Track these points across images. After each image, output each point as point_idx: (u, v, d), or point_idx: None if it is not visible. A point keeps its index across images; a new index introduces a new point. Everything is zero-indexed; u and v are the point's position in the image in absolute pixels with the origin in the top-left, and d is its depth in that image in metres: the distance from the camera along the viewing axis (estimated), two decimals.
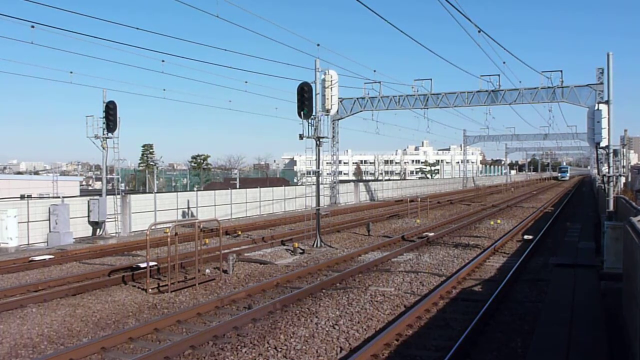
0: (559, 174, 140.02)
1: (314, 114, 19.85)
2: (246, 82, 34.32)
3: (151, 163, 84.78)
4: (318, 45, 26.09)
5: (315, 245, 19.70)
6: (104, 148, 23.54)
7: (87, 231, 23.54)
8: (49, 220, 21.75)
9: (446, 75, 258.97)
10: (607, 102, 16.22)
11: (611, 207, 15.98)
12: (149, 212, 26.62)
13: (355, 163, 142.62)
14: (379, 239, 21.86)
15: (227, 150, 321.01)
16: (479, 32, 19.92)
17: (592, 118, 16.09)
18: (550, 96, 36.35)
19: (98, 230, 23.59)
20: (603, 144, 15.92)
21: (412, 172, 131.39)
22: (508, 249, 19.11)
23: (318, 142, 20.25)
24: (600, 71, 33.60)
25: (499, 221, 28.16)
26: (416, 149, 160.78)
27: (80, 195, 33.59)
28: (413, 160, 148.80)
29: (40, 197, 26.39)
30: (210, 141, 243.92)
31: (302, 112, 19.63)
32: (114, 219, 24.11)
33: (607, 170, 16.66)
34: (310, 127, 19.91)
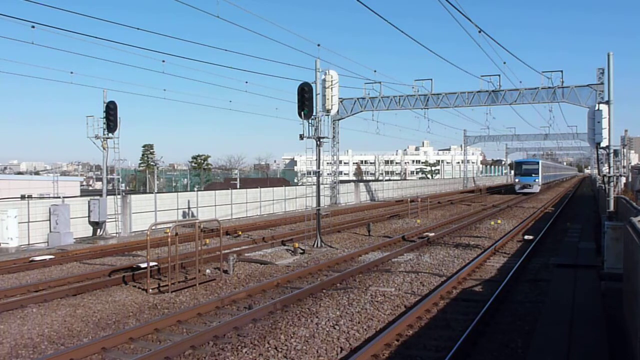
0: (516, 179, 60.20)
1: (314, 114, 19.85)
2: (246, 82, 34.40)
3: (151, 163, 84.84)
4: (318, 45, 26.10)
5: (315, 246, 19.70)
6: (104, 148, 23.56)
7: (88, 231, 23.55)
8: (50, 220, 21.76)
9: (446, 76, 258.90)
10: (607, 102, 16.23)
11: (611, 208, 15.99)
12: (149, 213, 26.63)
13: (356, 163, 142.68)
14: (380, 239, 21.86)
15: (228, 151, 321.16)
16: (480, 32, 19.92)
17: (592, 118, 16.09)
18: (550, 96, 36.35)
19: (98, 230, 23.60)
20: (603, 144, 15.93)
21: (412, 172, 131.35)
22: (508, 249, 19.10)
23: (318, 142, 20.26)
24: (600, 71, 33.59)
25: (499, 221, 28.15)
26: (416, 149, 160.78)
27: (81, 196, 33.58)
28: (413, 161, 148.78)
29: (40, 198, 26.37)
30: (211, 141, 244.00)
31: (302, 113, 19.64)
32: (114, 219, 24.12)
33: (607, 170, 16.65)
34: (310, 127, 19.91)
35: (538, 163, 58.89)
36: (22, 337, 9.46)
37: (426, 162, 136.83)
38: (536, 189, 57.29)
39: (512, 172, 64.02)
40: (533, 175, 57.83)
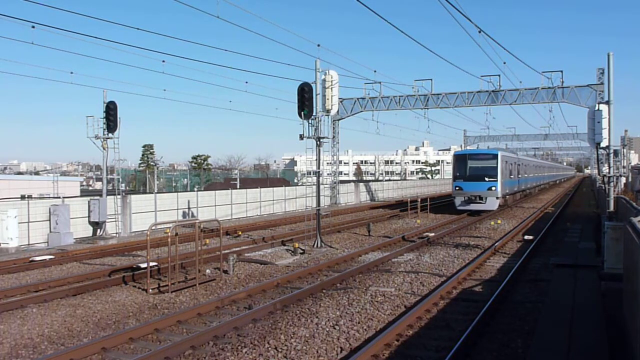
0: (456, 185, 33.40)
1: (314, 114, 19.86)
2: (246, 82, 34.48)
3: (151, 163, 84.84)
4: (318, 45, 26.04)
5: (315, 246, 19.71)
6: (104, 148, 23.57)
7: (88, 231, 23.54)
8: (50, 220, 21.76)
9: (446, 76, 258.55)
10: (607, 103, 16.20)
11: (611, 208, 15.97)
12: (149, 213, 26.63)
13: (356, 163, 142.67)
14: (380, 239, 21.86)
15: (228, 151, 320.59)
16: (480, 32, 19.89)
17: (592, 118, 16.06)
18: (550, 96, 36.32)
19: (98, 230, 23.60)
20: (603, 144, 15.89)
21: (412, 173, 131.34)
22: (508, 249, 19.10)
23: (318, 143, 20.26)
24: (600, 71, 33.57)
25: (499, 221, 28.14)
26: (416, 149, 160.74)
27: (81, 196, 33.63)
28: (413, 161, 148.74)
29: (40, 198, 26.41)
30: (211, 141, 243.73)
31: (302, 113, 19.65)
32: (114, 219, 24.12)
33: (607, 170, 16.64)
34: (310, 127, 19.92)
35: (496, 157, 33.20)
36: (22, 337, 9.46)
37: (426, 162, 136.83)
38: (492, 204, 32.47)
39: (456, 172, 34.21)
40: (487, 179, 32.58)
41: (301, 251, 18.48)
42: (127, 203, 25.48)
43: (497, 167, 32.61)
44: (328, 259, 17.16)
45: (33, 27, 18.40)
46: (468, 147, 76.51)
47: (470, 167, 33.36)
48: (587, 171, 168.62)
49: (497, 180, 32.33)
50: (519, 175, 40.67)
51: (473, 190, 32.49)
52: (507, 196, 36.28)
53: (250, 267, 16.00)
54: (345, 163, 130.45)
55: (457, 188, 33.12)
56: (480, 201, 32.23)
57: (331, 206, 39.58)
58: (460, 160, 34.10)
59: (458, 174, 33.51)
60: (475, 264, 15.44)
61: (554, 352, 7.76)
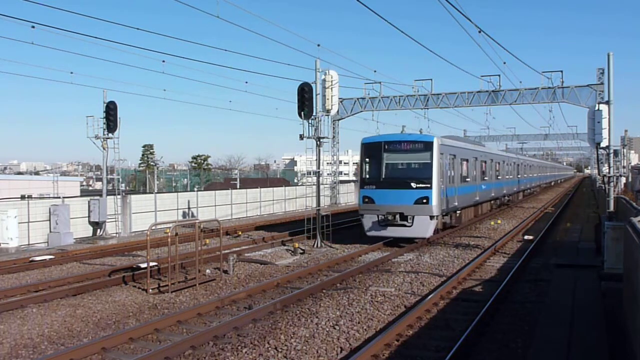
0: (364, 195, 19.64)
1: (314, 114, 19.88)
2: (246, 82, 34.55)
3: (151, 163, 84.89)
4: (318, 45, 26.00)
5: (315, 246, 19.71)
6: (104, 148, 23.58)
7: (88, 231, 23.55)
8: (50, 220, 21.76)
9: (446, 76, 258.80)
10: (607, 103, 16.19)
11: (611, 208, 15.97)
12: (149, 213, 26.63)
13: (356, 163, 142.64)
14: (380, 239, 21.80)
15: (228, 151, 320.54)
16: (480, 32, 19.86)
17: (592, 118, 16.05)
18: (550, 96, 36.27)
19: (98, 230, 23.60)
20: (603, 144, 15.88)
21: None
22: (508, 249, 19.09)
23: (318, 143, 20.26)
24: (600, 71, 33.54)
25: (499, 221, 28.12)
26: None
27: (81, 196, 33.66)
28: None
29: (40, 198, 26.43)
30: (211, 141, 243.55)
31: (302, 113, 19.66)
32: (114, 219, 24.12)
33: (607, 170, 16.64)
34: (310, 127, 19.93)
35: (429, 146, 19.44)
36: (22, 337, 9.46)
37: None
38: (423, 227, 19.08)
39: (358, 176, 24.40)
40: (415, 184, 19.18)
41: (301, 251, 18.48)
42: (127, 203, 25.48)
43: (431, 163, 19.32)
44: (328, 259, 17.16)
45: (33, 27, 18.39)
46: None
47: (387, 164, 20.06)
48: (587, 171, 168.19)
49: (431, 187, 19.10)
50: (485, 178, 28.15)
51: (392, 203, 19.27)
52: (458, 211, 22.92)
53: (250, 267, 16.00)
54: (345, 163, 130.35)
55: (365, 200, 19.88)
56: (404, 223, 19.09)
57: (331, 206, 39.57)
58: (371, 151, 20.36)
59: (368, 177, 20.30)
60: (475, 264, 15.43)
61: (554, 352, 7.76)
